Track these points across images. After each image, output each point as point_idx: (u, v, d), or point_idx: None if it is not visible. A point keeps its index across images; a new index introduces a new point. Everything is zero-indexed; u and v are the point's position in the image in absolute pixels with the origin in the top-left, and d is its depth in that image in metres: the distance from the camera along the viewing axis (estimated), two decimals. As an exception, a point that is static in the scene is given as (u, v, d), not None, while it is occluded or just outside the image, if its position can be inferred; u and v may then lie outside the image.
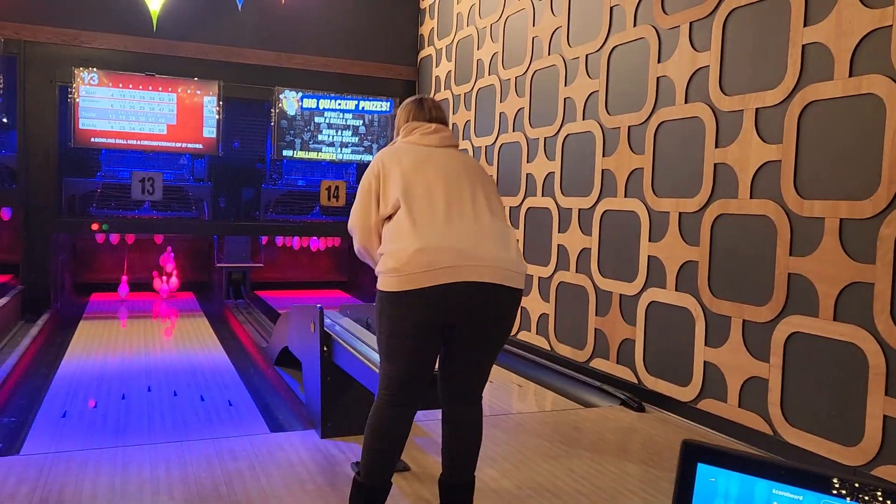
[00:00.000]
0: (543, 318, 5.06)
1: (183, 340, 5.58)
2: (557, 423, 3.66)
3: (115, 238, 7.32)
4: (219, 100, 6.77)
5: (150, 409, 3.77)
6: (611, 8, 4.43)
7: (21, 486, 2.62)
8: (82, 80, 6.37)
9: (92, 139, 6.51)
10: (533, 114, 5.27)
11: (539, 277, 5.11)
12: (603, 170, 4.46)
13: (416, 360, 2.20)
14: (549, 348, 4.97)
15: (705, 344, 3.65)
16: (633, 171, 4.20)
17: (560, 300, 4.89)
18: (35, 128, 6.30)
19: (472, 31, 6.20)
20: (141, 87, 6.58)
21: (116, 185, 6.79)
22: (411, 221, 2.18)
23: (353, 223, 2.42)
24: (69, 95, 6.38)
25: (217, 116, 6.79)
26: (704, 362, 3.65)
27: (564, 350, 4.80)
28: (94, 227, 6.54)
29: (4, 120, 6.32)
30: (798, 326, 3.15)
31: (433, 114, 2.52)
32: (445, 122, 2.54)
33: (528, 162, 5.30)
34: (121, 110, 6.55)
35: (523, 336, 5.28)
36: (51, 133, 6.40)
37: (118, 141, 6.59)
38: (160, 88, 6.64)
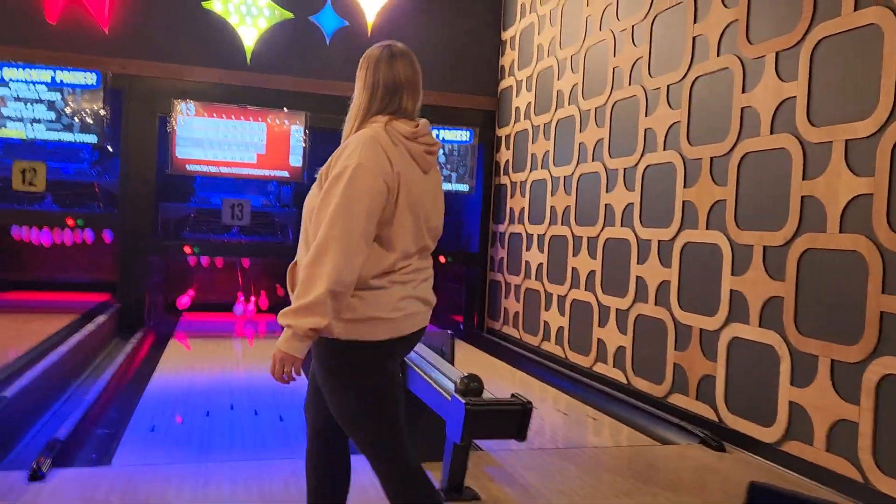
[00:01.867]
0: (620, 350, 4.97)
1: (265, 361, 5.75)
2: (633, 458, 3.58)
3: (205, 260, 7.66)
4: (305, 129, 7.03)
5: (232, 426, 3.91)
6: (693, 38, 4.38)
7: (110, 496, 2.77)
8: (180, 111, 6.75)
9: (187, 166, 6.87)
10: (613, 144, 5.24)
11: (617, 309, 5.03)
12: (684, 201, 4.38)
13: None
14: (625, 381, 4.87)
15: (791, 383, 3.50)
16: (715, 202, 4.11)
17: (638, 333, 4.80)
18: (136, 156, 6.71)
19: (553, 61, 6.24)
20: (233, 117, 6.91)
21: (208, 210, 7.13)
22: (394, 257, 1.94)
23: (348, 239, 1.81)
24: (168, 125, 6.76)
25: (303, 145, 7.04)
26: (790, 402, 3.50)
27: (641, 384, 4.70)
28: (187, 250, 6.87)
29: (110, 148, 6.76)
30: (891, 368, 2.99)
31: (418, 102, 2.09)
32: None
33: (607, 192, 5.26)
34: (214, 139, 6.89)
35: (599, 368, 5.20)
36: (150, 161, 6.80)
37: (211, 168, 6.92)
38: (251, 119, 6.96)
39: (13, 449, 3.41)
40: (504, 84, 7.36)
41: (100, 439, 3.60)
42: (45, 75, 6.40)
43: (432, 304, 2.09)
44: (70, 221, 6.53)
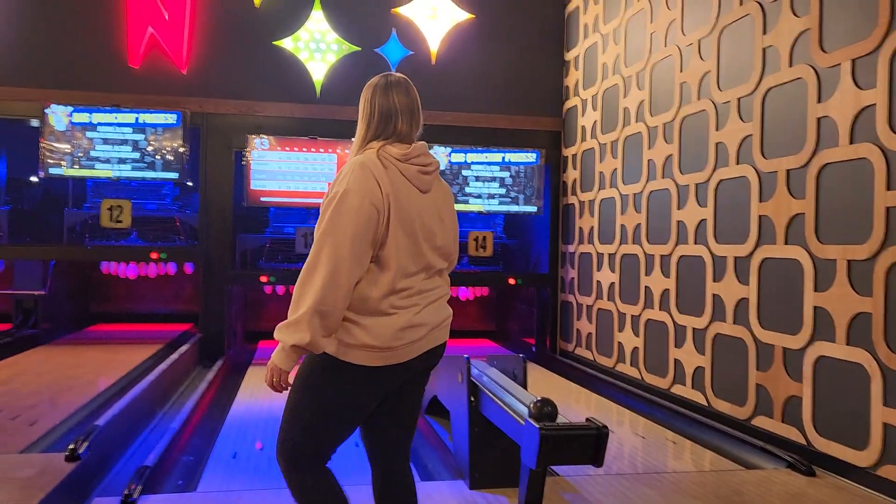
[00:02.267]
0: (699, 371, 4.83)
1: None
2: (717, 485, 3.46)
3: (280, 289, 7.87)
4: (374, 158, 7.17)
5: (310, 452, 3.97)
6: (763, 49, 4.28)
7: (197, 520, 2.85)
8: (255, 145, 7.00)
9: (262, 198, 7.10)
10: (683, 160, 5.14)
11: (693, 329, 4.90)
12: (760, 216, 4.25)
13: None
14: (705, 404, 4.73)
15: (884, 404, 3.33)
16: (793, 216, 3.97)
17: (717, 353, 4.66)
18: (214, 190, 6.98)
19: (618, 79, 6.19)
20: (305, 149, 7.12)
21: (282, 239, 7.34)
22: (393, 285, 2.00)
23: (335, 261, 1.90)
24: (243, 160, 7.02)
25: (372, 173, 7.18)
26: (884, 424, 3.32)
27: (723, 406, 4.55)
28: (263, 279, 7.07)
29: (189, 183, 7.07)
30: None
31: (418, 123, 2.16)
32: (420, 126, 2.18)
33: (678, 209, 5.15)
34: (287, 171, 7.11)
35: (677, 390, 5.06)
36: (227, 194, 7.06)
37: (284, 199, 7.14)
38: (322, 150, 7.15)
39: (106, 476, 3.56)
40: (569, 104, 7.34)
41: (185, 466, 3.72)
42: (130, 118, 6.76)
43: (443, 322, 2.14)
44: (154, 255, 6.83)
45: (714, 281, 4.69)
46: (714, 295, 4.68)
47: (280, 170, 7.08)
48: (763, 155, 4.25)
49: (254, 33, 7.05)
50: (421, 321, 2.04)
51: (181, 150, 6.79)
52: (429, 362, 2.13)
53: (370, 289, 1.97)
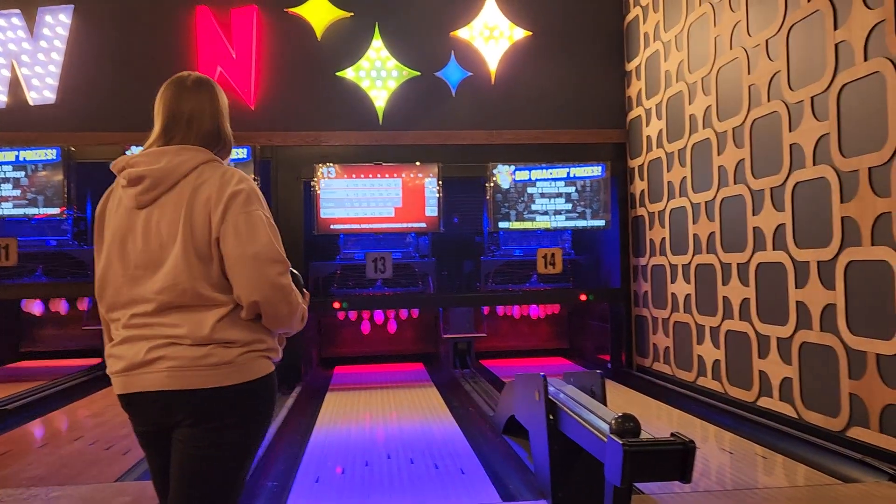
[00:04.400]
0: (786, 382, 4.63)
1: (416, 410, 5.87)
2: (814, 499, 3.30)
3: (353, 315, 7.99)
4: (438, 180, 7.23)
5: (391, 475, 4.00)
6: (836, 45, 4.13)
7: (285, 545, 2.90)
8: (322, 174, 7.16)
9: (331, 226, 7.24)
10: (755, 164, 4.99)
11: (778, 338, 4.72)
12: (843, 217, 4.08)
13: None
14: (795, 415, 4.53)
15: None
16: (879, 216, 3.80)
17: (804, 362, 4.46)
18: (285, 220, 7.16)
19: (683, 86, 6.07)
20: (370, 175, 7.24)
21: (353, 265, 7.46)
22: None
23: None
24: (312, 189, 7.19)
25: (437, 195, 7.24)
26: None
27: (814, 418, 4.35)
28: (336, 305, 7.19)
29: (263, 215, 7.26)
30: None
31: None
32: None
33: (753, 215, 4.99)
34: (354, 198, 7.24)
35: (764, 402, 4.87)
36: (298, 223, 7.24)
37: (353, 226, 7.26)
38: (387, 175, 7.26)
39: (195, 502, 3.65)
40: (632, 114, 7.24)
41: (271, 491, 3.79)
42: (203, 155, 7.01)
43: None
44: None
45: (797, 287, 4.51)
46: (798, 302, 4.50)
47: (347, 197, 7.22)
48: (842, 154, 4.09)
49: (317, 66, 7.25)
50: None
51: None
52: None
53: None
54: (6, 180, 6.82)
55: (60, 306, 7.57)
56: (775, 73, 4.73)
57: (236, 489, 1.87)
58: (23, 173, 6.82)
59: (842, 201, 4.08)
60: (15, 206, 6.82)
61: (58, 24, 7.00)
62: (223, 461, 1.82)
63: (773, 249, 4.76)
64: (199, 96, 1.97)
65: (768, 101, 4.81)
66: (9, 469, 4.08)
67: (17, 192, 6.82)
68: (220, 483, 1.82)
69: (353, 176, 7.22)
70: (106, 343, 1.92)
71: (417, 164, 7.25)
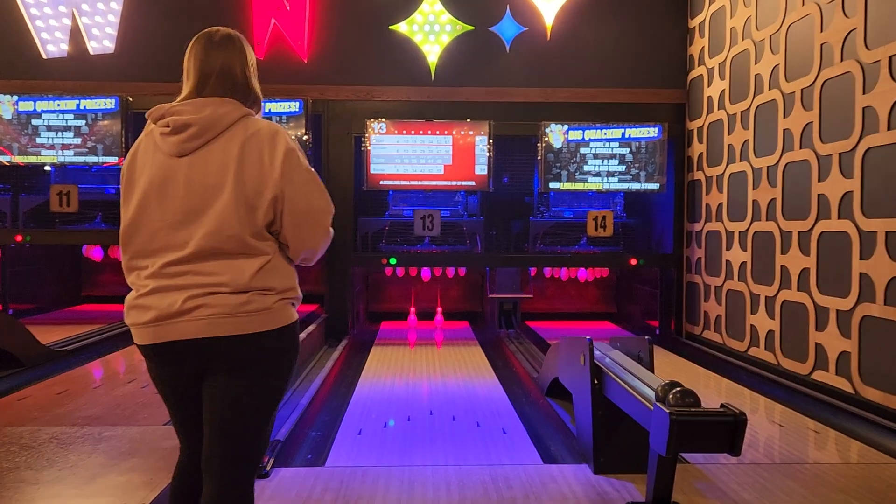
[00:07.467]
0: (844, 356, 4.47)
1: (460, 368, 5.88)
2: (867, 478, 3.19)
3: (400, 271, 8.02)
4: (489, 138, 7.12)
5: (433, 432, 4.02)
6: (920, 0, 3.85)
7: (325, 494, 2.95)
8: (373, 130, 7.12)
9: (381, 182, 7.22)
10: (824, 128, 4.75)
11: (837, 310, 4.54)
12: (916, 186, 3.86)
13: None
14: (852, 391, 4.37)
15: None
16: (957, 185, 3.57)
17: (865, 337, 4.29)
18: (336, 175, 7.17)
19: (749, 44, 5.80)
20: (421, 132, 7.17)
21: (401, 222, 7.45)
22: None
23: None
24: (362, 145, 7.16)
25: (488, 154, 7.13)
26: None
27: (873, 394, 4.19)
28: (384, 261, 7.21)
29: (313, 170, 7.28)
30: None
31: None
32: None
33: (819, 181, 4.77)
34: (405, 154, 7.19)
35: (818, 376, 4.71)
36: (348, 178, 7.24)
37: (402, 182, 7.23)
38: (437, 132, 7.17)
39: (241, 448, 3.74)
40: (694, 74, 6.97)
41: (314, 441, 3.85)
42: (256, 107, 7.03)
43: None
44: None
45: (861, 259, 4.31)
46: (861, 274, 4.31)
47: (398, 153, 7.17)
48: (920, 118, 3.85)
49: (371, 19, 7.15)
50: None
51: (304, 137, 7.01)
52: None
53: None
54: (67, 128, 6.98)
55: (119, 253, 7.78)
56: (850, 31, 4.45)
57: (267, 432, 1.93)
58: (83, 122, 6.97)
59: (916, 169, 3.86)
60: (76, 154, 6.99)
61: (116, -26, 7.04)
62: (258, 405, 1.86)
63: (838, 218, 4.55)
64: (229, 51, 1.99)
65: (841, 60, 4.55)
66: (65, 408, 4.24)
67: (79, 140, 6.98)
68: (256, 427, 1.87)
69: (404, 132, 7.16)
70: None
71: (468, 121, 7.14)
